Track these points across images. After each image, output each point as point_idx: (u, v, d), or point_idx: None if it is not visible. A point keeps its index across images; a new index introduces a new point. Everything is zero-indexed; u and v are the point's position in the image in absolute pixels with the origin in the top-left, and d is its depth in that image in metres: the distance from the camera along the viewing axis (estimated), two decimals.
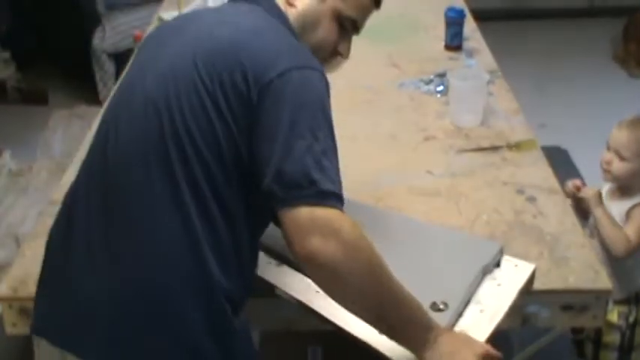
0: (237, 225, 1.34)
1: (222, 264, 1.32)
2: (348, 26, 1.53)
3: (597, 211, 2.17)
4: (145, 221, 1.31)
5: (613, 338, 2.25)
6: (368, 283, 1.27)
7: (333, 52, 1.55)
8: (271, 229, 1.49)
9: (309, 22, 1.49)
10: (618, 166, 2.18)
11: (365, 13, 1.55)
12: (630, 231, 2.15)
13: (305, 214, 1.24)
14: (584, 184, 2.27)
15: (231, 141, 1.31)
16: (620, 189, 2.23)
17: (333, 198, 1.27)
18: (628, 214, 2.17)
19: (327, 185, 1.26)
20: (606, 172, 2.22)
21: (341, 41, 1.54)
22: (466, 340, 1.38)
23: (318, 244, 1.22)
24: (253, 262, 1.45)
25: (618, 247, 2.14)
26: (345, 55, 1.57)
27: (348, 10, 1.51)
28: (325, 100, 1.34)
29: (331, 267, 1.23)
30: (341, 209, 1.27)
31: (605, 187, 2.29)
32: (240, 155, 1.32)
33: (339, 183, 1.30)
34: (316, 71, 1.35)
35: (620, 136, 2.19)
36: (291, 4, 1.50)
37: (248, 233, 1.38)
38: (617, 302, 2.21)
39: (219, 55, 1.34)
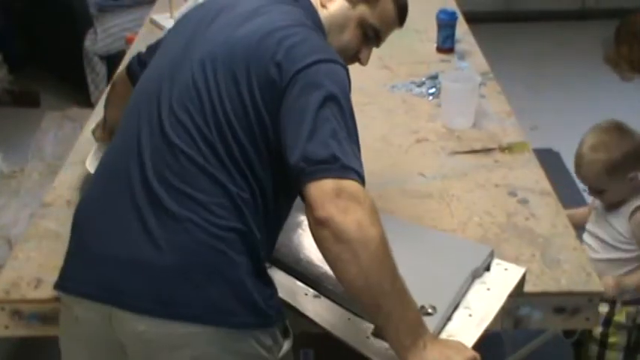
0: (267, 200, 1.44)
1: (257, 227, 1.41)
2: (370, 34, 1.64)
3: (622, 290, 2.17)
4: (196, 192, 1.38)
5: (619, 338, 2.25)
6: (375, 261, 1.29)
7: (354, 58, 1.66)
8: None
9: (336, 25, 1.61)
10: (602, 199, 2.22)
11: (388, 27, 1.67)
12: None
13: (331, 184, 1.30)
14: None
15: (262, 125, 1.41)
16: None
17: (356, 174, 1.33)
18: (631, 219, 2.18)
19: (351, 163, 1.33)
20: (601, 202, 2.25)
21: (363, 48, 1.66)
22: (455, 347, 1.38)
23: (339, 210, 1.28)
24: (274, 238, 1.54)
25: None
26: (364, 62, 1.69)
27: (373, 19, 1.62)
28: (348, 91, 1.43)
29: (346, 234, 1.27)
30: (364, 186, 1.33)
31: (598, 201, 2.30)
32: (269, 138, 1.41)
33: (361, 165, 1.36)
34: (342, 66, 1.45)
35: (584, 176, 2.22)
36: (323, 6, 1.61)
37: (274, 208, 1.47)
38: (625, 303, 2.22)
39: (257, 45, 1.43)
